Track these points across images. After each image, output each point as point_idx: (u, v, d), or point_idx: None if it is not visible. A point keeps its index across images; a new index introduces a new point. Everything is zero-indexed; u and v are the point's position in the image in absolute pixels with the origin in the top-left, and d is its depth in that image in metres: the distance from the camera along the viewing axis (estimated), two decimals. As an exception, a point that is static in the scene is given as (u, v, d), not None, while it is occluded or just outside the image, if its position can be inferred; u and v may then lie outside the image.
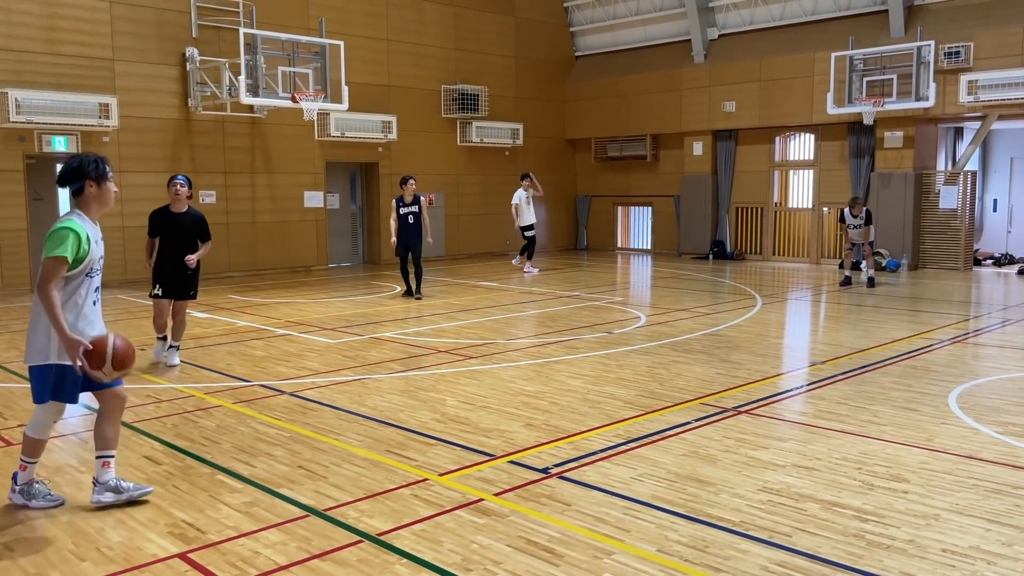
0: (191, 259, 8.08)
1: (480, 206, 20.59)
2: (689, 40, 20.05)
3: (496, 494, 4.69)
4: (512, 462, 5.24)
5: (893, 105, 16.28)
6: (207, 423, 6.18)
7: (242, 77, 14.25)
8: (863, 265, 14.90)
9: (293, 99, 14.74)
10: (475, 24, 20.17)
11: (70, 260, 4.23)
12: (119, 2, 14.81)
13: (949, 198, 16.91)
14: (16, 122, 13.33)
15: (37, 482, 4.59)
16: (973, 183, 17.03)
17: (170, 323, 8.27)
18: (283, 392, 7.13)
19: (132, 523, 4.32)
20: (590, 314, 11.36)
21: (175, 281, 8.14)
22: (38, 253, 14.21)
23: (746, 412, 6.37)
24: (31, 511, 4.48)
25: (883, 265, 16.60)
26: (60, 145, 14.10)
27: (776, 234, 19.57)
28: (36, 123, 13.58)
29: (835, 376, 7.58)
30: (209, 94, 15.47)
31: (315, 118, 15.70)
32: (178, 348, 8.33)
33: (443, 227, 19.66)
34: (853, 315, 11.47)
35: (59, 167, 4.56)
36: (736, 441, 5.63)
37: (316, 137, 17.26)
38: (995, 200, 20.15)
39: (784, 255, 19.50)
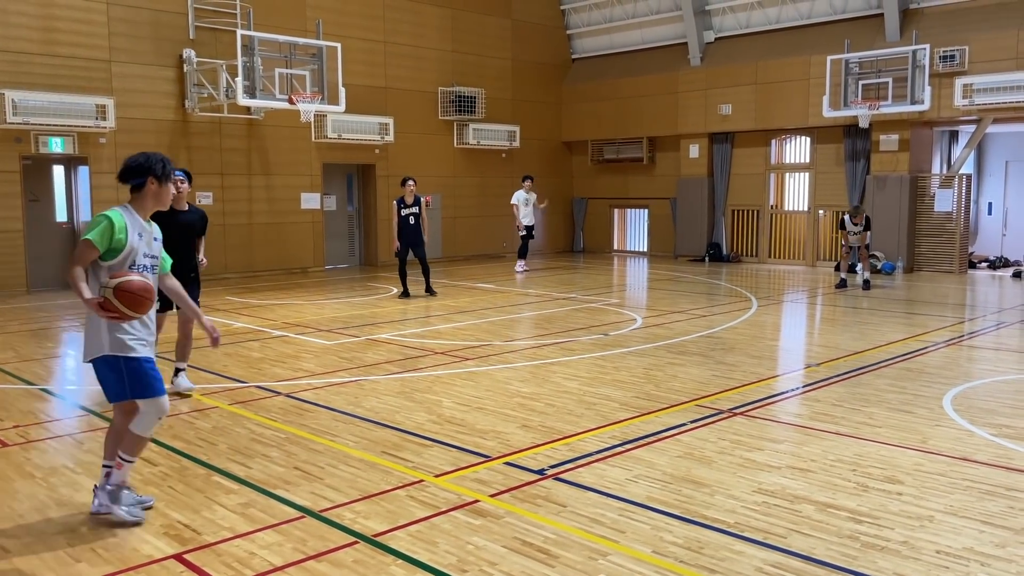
0: (205, 261, 7.39)
1: (477, 208, 20.60)
2: (685, 43, 20.08)
3: (492, 495, 4.69)
4: (508, 463, 5.25)
5: (888, 108, 16.33)
6: (203, 424, 6.18)
7: (239, 79, 14.27)
8: (859, 268, 14.94)
9: (290, 101, 14.75)
10: (472, 26, 20.19)
11: (97, 245, 4.16)
12: (116, 3, 14.80)
13: (944, 201, 16.95)
14: (12, 123, 13.32)
15: (126, 488, 4.38)
16: (968, 186, 17.07)
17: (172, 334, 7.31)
18: (279, 393, 7.13)
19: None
20: (586, 316, 11.37)
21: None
22: (34, 255, 14.29)
23: (741, 414, 6.39)
24: (25, 512, 4.46)
25: (878, 268, 16.63)
26: (56, 146, 14.09)
27: (772, 237, 19.61)
28: (32, 124, 13.56)
29: (830, 378, 7.60)
30: (206, 96, 15.46)
31: (312, 120, 15.68)
32: (185, 370, 7.21)
33: (440, 229, 19.66)
34: (848, 317, 11.49)
35: (125, 161, 4.43)
36: (731, 443, 5.64)
37: (313, 139, 17.25)
38: (990, 203, 20.22)
39: (780, 257, 19.53)
